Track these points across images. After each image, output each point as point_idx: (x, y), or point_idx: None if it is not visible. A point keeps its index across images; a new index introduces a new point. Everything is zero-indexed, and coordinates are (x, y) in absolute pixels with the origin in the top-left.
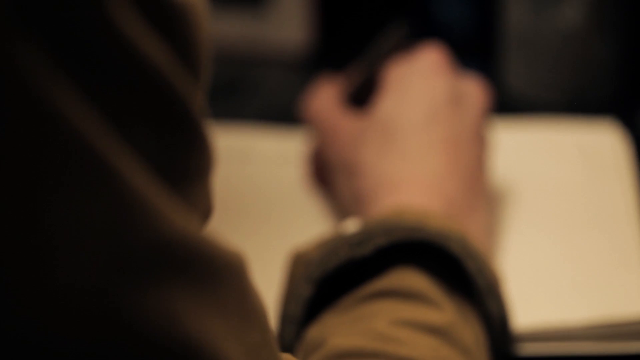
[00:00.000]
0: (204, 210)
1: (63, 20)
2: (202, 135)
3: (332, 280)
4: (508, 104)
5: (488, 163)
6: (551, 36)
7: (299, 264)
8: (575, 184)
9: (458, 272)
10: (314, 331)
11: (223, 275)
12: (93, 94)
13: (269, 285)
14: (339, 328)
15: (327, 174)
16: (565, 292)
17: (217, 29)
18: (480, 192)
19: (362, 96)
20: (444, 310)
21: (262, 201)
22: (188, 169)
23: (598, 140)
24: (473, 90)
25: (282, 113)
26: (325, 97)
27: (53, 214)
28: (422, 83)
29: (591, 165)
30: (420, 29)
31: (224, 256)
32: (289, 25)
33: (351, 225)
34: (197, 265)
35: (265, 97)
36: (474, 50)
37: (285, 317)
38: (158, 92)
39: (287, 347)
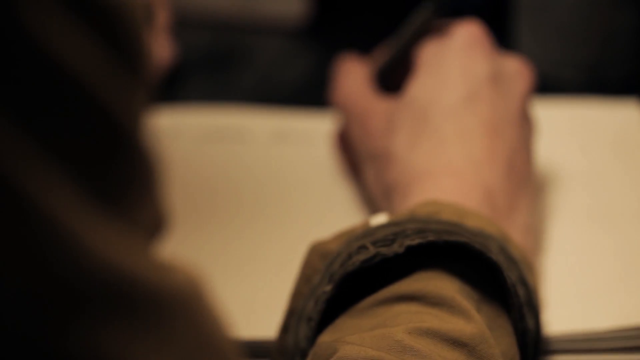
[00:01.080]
0: (153, 225)
1: None
2: (139, 146)
3: (353, 276)
4: None
5: (533, 147)
6: (565, 7)
7: (319, 257)
8: (600, 171)
9: (494, 276)
10: (327, 336)
11: (169, 306)
12: (12, 110)
13: (267, 269)
14: (354, 333)
15: (355, 163)
16: (598, 296)
17: None
18: (524, 180)
19: (392, 79)
20: (473, 322)
21: (258, 185)
22: (127, 185)
23: (620, 123)
24: (515, 69)
25: (279, 84)
26: (356, 80)
27: None
28: (460, 61)
29: (614, 150)
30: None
31: (170, 285)
32: None
33: (379, 220)
34: (137, 299)
35: (261, 68)
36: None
37: (301, 314)
38: (87, 106)
39: (301, 345)
